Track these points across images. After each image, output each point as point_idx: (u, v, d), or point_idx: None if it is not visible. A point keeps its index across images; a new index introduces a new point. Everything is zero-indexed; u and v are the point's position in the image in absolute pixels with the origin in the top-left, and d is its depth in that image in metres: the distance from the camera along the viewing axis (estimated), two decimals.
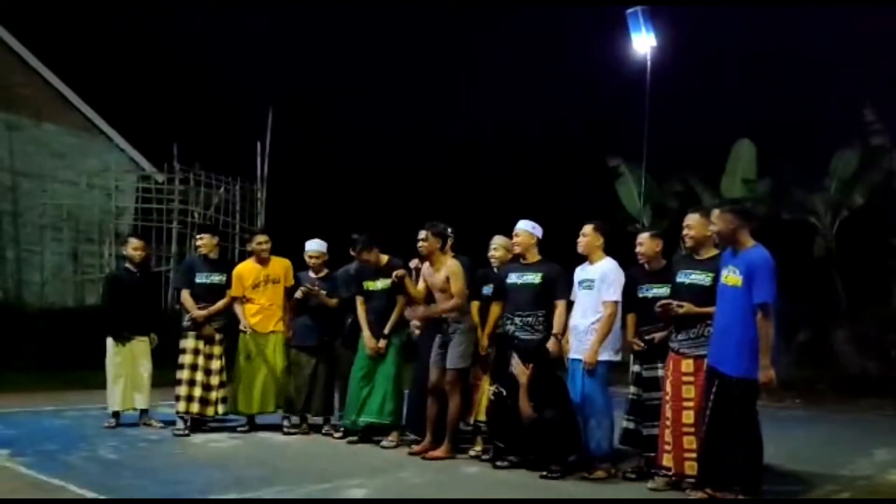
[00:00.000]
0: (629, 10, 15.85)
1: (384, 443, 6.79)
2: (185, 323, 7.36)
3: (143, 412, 7.54)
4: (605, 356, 5.85)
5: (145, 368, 7.50)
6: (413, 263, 7.13)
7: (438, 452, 6.34)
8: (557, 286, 6.09)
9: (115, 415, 7.43)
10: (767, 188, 15.73)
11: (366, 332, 6.95)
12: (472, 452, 6.48)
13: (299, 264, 7.63)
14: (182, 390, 7.22)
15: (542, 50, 25.29)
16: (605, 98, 21.70)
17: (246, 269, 7.52)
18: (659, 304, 5.47)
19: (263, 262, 7.48)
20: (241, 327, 7.31)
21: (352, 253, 7.09)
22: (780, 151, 15.70)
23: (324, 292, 7.34)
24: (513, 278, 6.23)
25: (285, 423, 7.41)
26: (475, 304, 6.58)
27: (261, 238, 7.55)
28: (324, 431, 7.35)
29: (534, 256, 6.24)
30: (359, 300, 7.06)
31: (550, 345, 5.98)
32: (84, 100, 15.20)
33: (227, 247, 14.27)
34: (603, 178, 17.96)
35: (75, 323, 11.77)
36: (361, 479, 5.63)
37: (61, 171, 14.75)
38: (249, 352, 7.32)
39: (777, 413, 9.92)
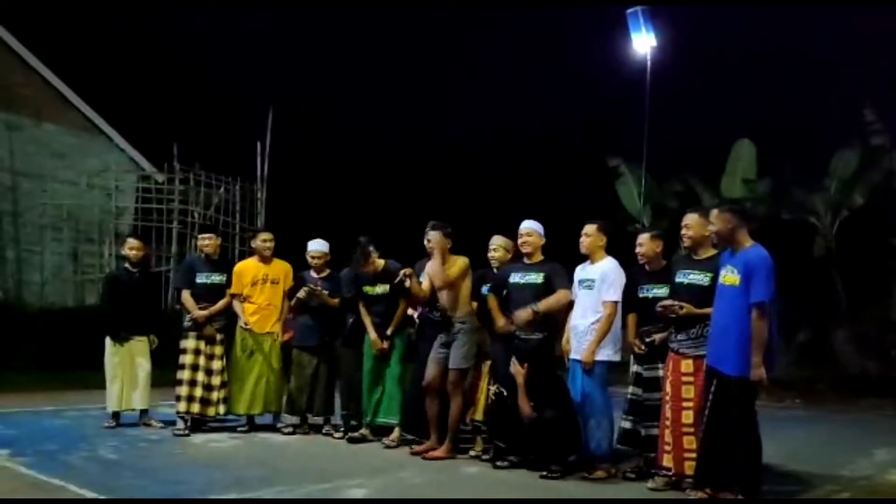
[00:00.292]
0: (629, 10, 15.87)
1: (385, 442, 6.80)
2: (186, 323, 7.36)
3: (143, 412, 7.54)
4: (604, 356, 5.85)
5: (143, 368, 7.49)
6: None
7: (438, 452, 6.35)
8: (559, 279, 6.06)
9: (115, 415, 7.43)
10: (767, 188, 15.75)
11: (371, 334, 6.96)
12: (472, 452, 6.48)
13: (299, 264, 7.63)
14: (183, 390, 7.22)
15: (542, 50, 25.30)
16: (605, 98, 21.71)
17: (246, 267, 7.54)
18: (660, 304, 5.47)
19: (265, 260, 7.49)
20: (241, 324, 7.32)
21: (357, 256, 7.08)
22: (780, 151, 15.71)
23: (326, 292, 7.35)
24: (515, 278, 6.22)
25: (279, 424, 7.43)
26: (474, 305, 6.58)
27: (266, 235, 7.56)
28: (324, 431, 7.36)
29: (538, 257, 6.25)
30: (361, 302, 7.09)
31: (522, 312, 5.93)
32: (84, 100, 15.19)
33: (227, 247, 14.26)
34: (603, 178, 17.97)
35: (75, 323, 11.76)
36: (361, 479, 5.63)
37: (61, 171, 14.74)
38: (245, 351, 7.32)
39: (777, 413, 9.93)
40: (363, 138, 23.15)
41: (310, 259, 7.52)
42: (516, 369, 5.93)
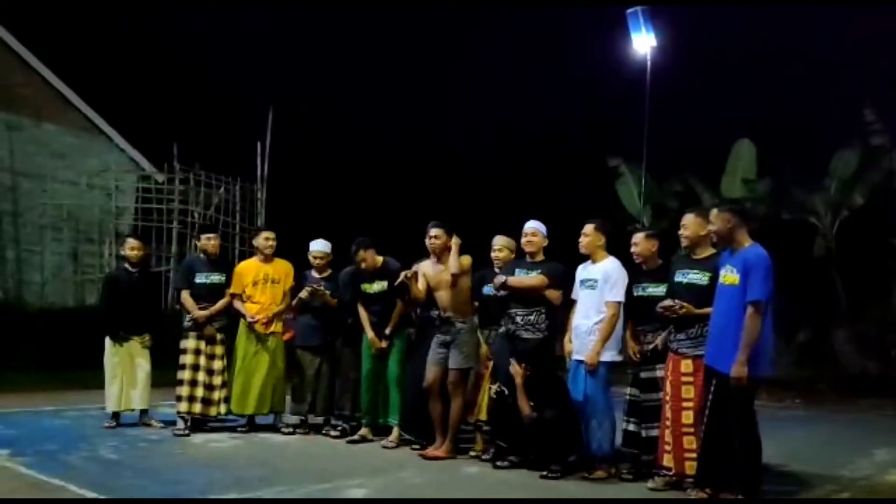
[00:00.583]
0: (629, 10, 15.87)
1: (384, 443, 6.80)
2: (187, 323, 7.36)
3: (143, 412, 7.54)
4: (606, 357, 5.85)
5: (143, 368, 7.48)
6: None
7: (439, 452, 6.36)
8: (554, 279, 6.05)
9: (115, 415, 7.43)
10: (767, 188, 15.74)
11: (369, 333, 6.96)
12: (472, 452, 6.49)
13: (299, 264, 7.64)
14: (184, 390, 7.22)
15: (542, 50, 25.25)
16: (605, 98, 21.68)
17: (247, 267, 7.54)
18: (660, 305, 5.48)
19: (267, 259, 7.49)
20: (248, 318, 7.28)
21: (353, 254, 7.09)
22: (780, 151, 15.69)
23: (328, 292, 7.35)
24: (517, 275, 6.21)
25: (279, 424, 7.43)
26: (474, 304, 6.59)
27: (268, 234, 7.55)
28: (324, 431, 7.35)
29: (540, 256, 6.25)
30: (358, 301, 7.07)
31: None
32: (84, 100, 15.19)
33: (227, 247, 14.26)
34: (603, 178, 17.96)
35: (75, 323, 11.76)
36: (361, 479, 5.63)
37: (61, 171, 14.73)
38: (247, 351, 7.31)
39: (777, 413, 9.93)
40: (363, 138, 23.14)
41: (312, 259, 7.51)
42: (515, 369, 5.94)
